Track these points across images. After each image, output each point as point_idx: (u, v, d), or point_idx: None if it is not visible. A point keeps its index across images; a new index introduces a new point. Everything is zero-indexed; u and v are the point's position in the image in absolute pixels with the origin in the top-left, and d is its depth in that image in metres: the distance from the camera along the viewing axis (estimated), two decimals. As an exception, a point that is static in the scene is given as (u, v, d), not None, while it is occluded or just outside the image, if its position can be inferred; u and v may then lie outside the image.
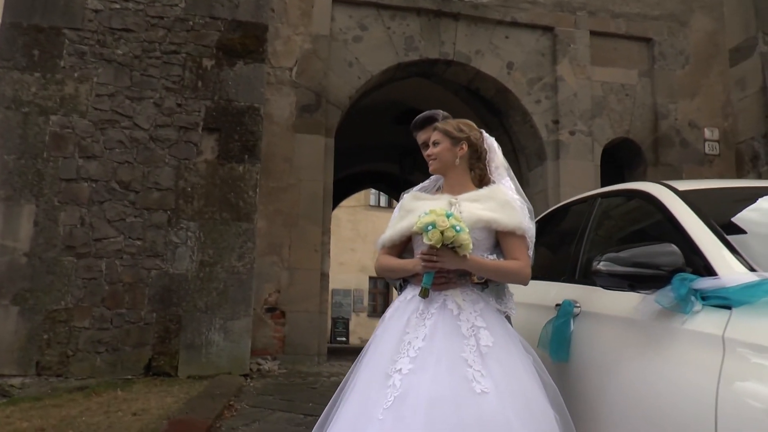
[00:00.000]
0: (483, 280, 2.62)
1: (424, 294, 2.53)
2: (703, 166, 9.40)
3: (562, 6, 9.46)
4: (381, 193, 23.51)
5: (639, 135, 9.50)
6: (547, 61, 9.42)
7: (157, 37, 7.03)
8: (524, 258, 2.61)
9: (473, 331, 2.47)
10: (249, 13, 7.38)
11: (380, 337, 2.61)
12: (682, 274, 2.19)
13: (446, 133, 2.77)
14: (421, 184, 3.14)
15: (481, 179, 2.80)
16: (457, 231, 2.44)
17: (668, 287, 2.18)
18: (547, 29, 9.43)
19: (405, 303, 2.62)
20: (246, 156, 6.98)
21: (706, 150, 9.44)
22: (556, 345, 2.83)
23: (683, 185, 2.80)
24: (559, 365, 2.79)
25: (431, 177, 3.14)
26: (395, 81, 9.55)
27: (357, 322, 23.12)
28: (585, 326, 2.75)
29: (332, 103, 8.36)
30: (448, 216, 2.47)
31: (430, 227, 2.44)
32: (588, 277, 3.11)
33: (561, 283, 3.17)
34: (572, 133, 9.24)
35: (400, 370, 2.38)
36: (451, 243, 2.46)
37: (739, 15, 9.81)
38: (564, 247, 3.48)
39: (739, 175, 9.50)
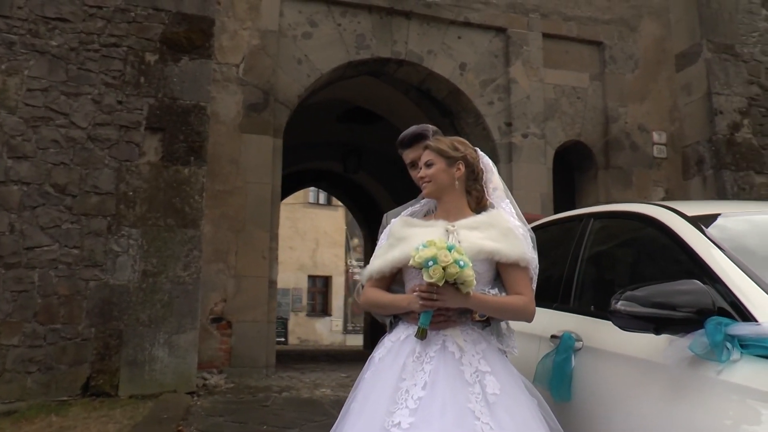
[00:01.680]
0: (485, 318, 2.38)
1: (421, 335, 2.26)
2: (651, 170, 9.47)
3: (515, 7, 9.34)
4: (320, 190, 23.16)
5: (590, 138, 9.49)
6: (500, 63, 9.29)
7: (96, 28, 6.51)
8: (528, 292, 2.38)
9: (477, 376, 2.22)
10: (195, 6, 6.94)
11: (371, 383, 2.32)
12: (716, 317, 1.99)
13: (441, 153, 2.50)
14: (409, 206, 2.87)
15: (479, 202, 2.55)
16: (461, 267, 2.17)
17: (701, 332, 1.98)
18: (500, 30, 9.30)
19: (398, 344, 2.34)
20: (192, 158, 6.55)
21: (655, 153, 9.51)
22: (558, 383, 2.61)
23: (688, 209, 2.62)
24: (561, 404, 2.58)
25: (420, 199, 2.87)
26: (344, 79, 9.25)
27: (296, 322, 22.74)
28: (589, 363, 2.53)
29: (281, 102, 7.99)
30: (449, 249, 2.21)
31: (430, 263, 2.17)
32: (585, 305, 2.93)
33: (554, 311, 2.95)
34: (525, 135, 9.14)
35: (399, 424, 2.11)
36: (454, 280, 2.20)
37: (685, 22, 9.91)
38: (553, 269, 3.26)
39: (684, 179, 9.61)
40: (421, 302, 2.23)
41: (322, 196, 24.21)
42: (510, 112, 9.15)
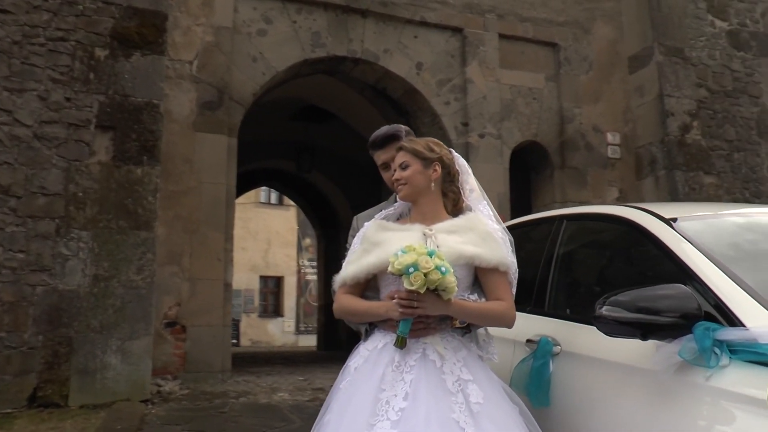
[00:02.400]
0: (465, 324, 2.32)
1: (401, 344, 2.18)
2: (606, 170, 9.59)
3: (471, 8, 9.34)
4: (272, 189, 22.85)
5: (546, 138, 9.55)
6: (457, 63, 9.27)
7: (41, 21, 6.22)
8: (509, 298, 2.33)
9: (460, 385, 2.15)
10: (147, 0, 6.70)
11: (348, 394, 2.23)
12: (703, 322, 1.96)
13: (416, 154, 2.43)
14: (379, 209, 2.78)
15: (455, 205, 2.48)
16: (442, 273, 2.11)
17: (689, 337, 1.95)
18: (457, 30, 9.29)
19: (376, 353, 2.26)
20: (145, 157, 6.33)
21: (609, 154, 9.64)
22: (536, 388, 2.56)
23: (664, 211, 2.60)
24: (540, 410, 2.53)
25: (393, 202, 2.79)
26: (300, 77, 9.11)
27: (248, 324, 22.40)
28: (569, 368, 2.49)
29: (235, 101, 7.80)
30: (430, 255, 2.13)
31: (411, 269, 2.09)
32: (561, 308, 2.89)
33: (528, 315, 2.90)
34: (482, 135, 9.15)
35: None
36: (435, 287, 2.13)
37: (637, 25, 10.08)
38: (525, 272, 3.20)
39: (638, 179, 9.78)
40: (400, 310, 2.15)
41: (274, 196, 23.89)
42: (466, 112, 9.15)
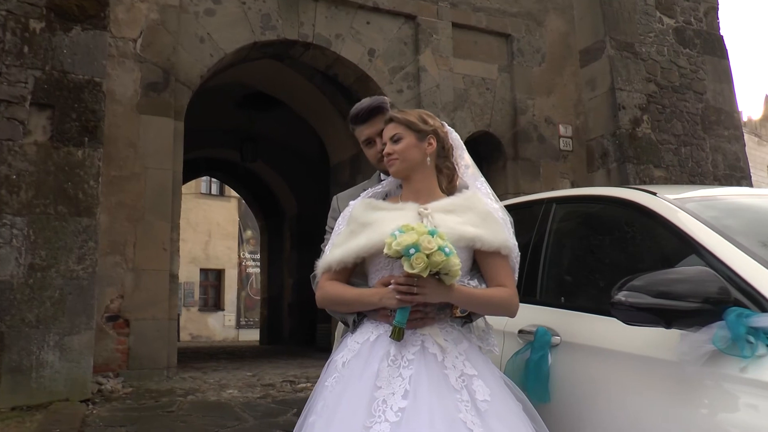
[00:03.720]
0: (465, 313, 2.11)
1: (398, 335, 1.95)
2: (558, 162, 9.58)
3: (425, -6, 9.17)
4: (212, 180, 22.23)
5: (499, 129, 9.47)
6: (410, 50, 9.09)
7: (-32, -12, 5.73)
8: (512, 284, 2.13)
9: (464, 381, 1.95)
10: (87, -29, 6.26)
11: (337, 392, 1.98)
12: (735, 308, 1.80)
13: (409, 125, 2.20)
14: (362, 187, 2.55)
15: (450, 182, 2.27)
16: (446, 255, 1.89)
17: (720, 324, 1.79)
18: (410, 17, 9.09)
19: (368, 346, 2.02)
20: (86, 138, 5.90)
21: (561, 146, 9.63)
22: (534, 383, 2.37)
23: (667, 192, 2.46)
24: (539, 406, 2.35)
25: (377, 180, 2.55)
26: (248, 61, 8.75)
27: (188, 317, 21.70)
28: (571, 361, 2.31)
29: (182, 82, 7.41)
30: (431, 234, 1.91)
31: (412, 250, 1.87)
32: (554, 297, 2.72)
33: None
34: (434, 125, 8.97)
35: None
36: (437, 270, 1.91)
37: (588, 19, 10.10)
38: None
39: (589, 171, 9.80)
40: (398, 297, 1.93)
41: (215, 187, 23.24)
42: (419, 101, 8.96)
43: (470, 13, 9.49)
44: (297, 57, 8.83)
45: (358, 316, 2.12)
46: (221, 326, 22.39)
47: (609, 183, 9.34)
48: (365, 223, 2.12)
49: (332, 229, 2.43)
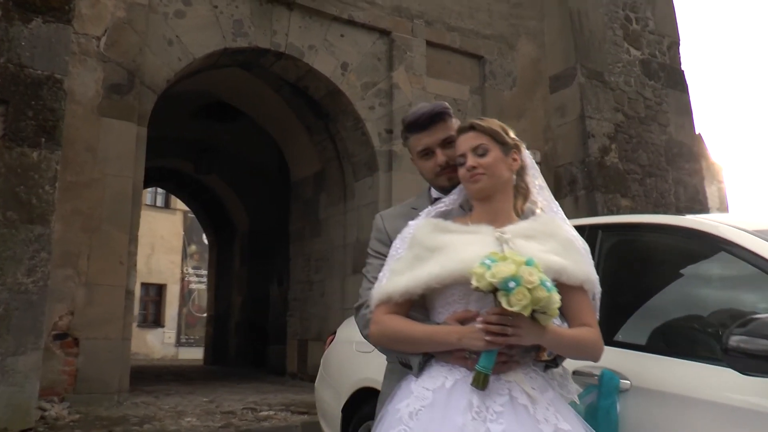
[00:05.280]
0: (552, 357, 1.82)
1: (482, 383, 1.64)
2: (528, 189, 9.43)
3: (401, 11, 8.96)
4: (158, 192, 21.42)
5: (468, 152, 9.26)
6: (383, 66, 8.84)
7: None
8: (596, 323, 1.85)
9: None
10: (52, -41, 5.79)
11: None
12: None
13: (494, 136, 1.92)
14: (412, 206, 2.24)
15: (524, 204, 1.99)
16: (548, 290, 1.60)
17: None
18: (385, 33, 8.87)
19: (444, 395, 1.69)
20: (43, 139, 5.39)
21: (531, 172, 9.49)
22: (605, 432, 2.10)
23: (733, 222, 2.23)
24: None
25: (427, 197, 2.24)
26: (216, 68, 8.35)
27: (124, 334, 20.74)
28: (647, 409, 2.05)
29: (147, 86, 6.95)
30: (528, 265, 1.62)
31: (512, 283, 1.57)
32: (609, 335, 2.45)
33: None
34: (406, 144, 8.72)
35: None
36: (535, 309, 1.62)
37: (560, 45, 10.08)
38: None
39: (557, 198, 9.62)
40: (488, 338, 1.62)
41: (160, 198, 22.41)
42: (391, 119, 8.71)
43: (444, 32, 9.33)
44: (267, 66, 8.47)
45: (424, 357, 1.80)
46: (160, 343, 21.46)
47: (577, 211, 9.25)
48: (433, 248, 1.82)
49: (377, 252, 2.12)
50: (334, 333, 4.09)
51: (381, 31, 8.84)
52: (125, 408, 6.07)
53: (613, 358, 2.25)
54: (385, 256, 2.02)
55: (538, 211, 1.98)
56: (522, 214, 1.96)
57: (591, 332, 1.81)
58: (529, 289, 1.57)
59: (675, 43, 11.55)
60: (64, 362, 5.95)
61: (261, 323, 12.87)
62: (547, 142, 9.83)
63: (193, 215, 19.45)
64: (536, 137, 9.76)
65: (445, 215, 2.00)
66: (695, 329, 2.31)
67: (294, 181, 10.77)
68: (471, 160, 1.88)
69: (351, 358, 3.60)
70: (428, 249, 1.82)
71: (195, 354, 19.53)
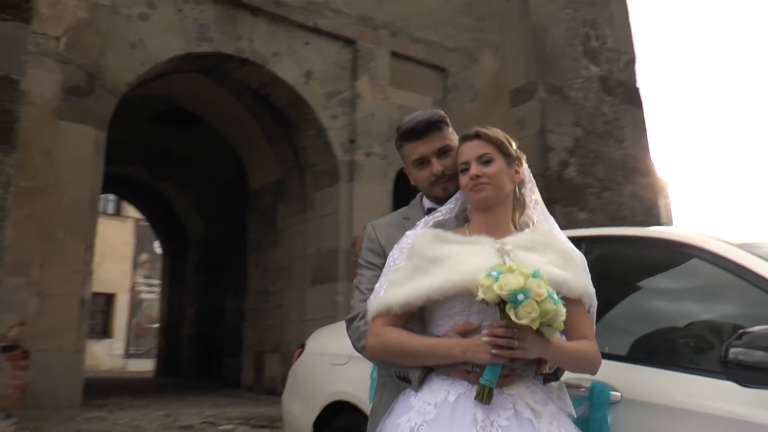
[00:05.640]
0: (552, 370, 1.79)
1: (487, 398, 1.60)
2: (489, 201, 9.49)
3: (366, 21, 8.93)
4: (110, 198, 20.87)
5: (431, 164, 9.28)
6: (347, 75, 8.80)
7: None
8: (593, 336, 1.84)
9: None
10: (11, -45, 5.57)
11: None
12: None
13: (499, 147, 1.89)
14: (409, 214, 2.18)
15: (520, 216, 1.96)
16: (555, 303, 1.58)
17: None
18: (349, 42, 8.83)
19: (447, 409, 1.64)
20: (-3, 142, 5.18)
21: (493, 185, 9.55)
22: (597, 446, 2.07)
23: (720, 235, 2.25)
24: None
25: (419, 207, 2.18)
26: (180, 73, 8.18)
27: (70, 345, 20.11)
28: (639, 421, 2.03)
29: (108, 89, 6.77)
30: (534, 276, 1.59)
31: (521, 296, 1.53)
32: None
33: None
34: (368, 154, 8.70)
35: None
36: (546, 321, 1.59)
37: (521, 60, 10.18)
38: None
39: (517, 212, 9.78)
40: (494, 351, 1.58)
41: (111, 205, 21.84)
42: (354, 129, 8.68)
43: (409, 43, 9.34)
44: (231, 72, 8.35)
45: (423, 371, 1.74)
46: (108, 355, 20.85)
47: (537, 224, 9.33)
48: (434, 259, 1.77)
49: (370, 263, 2.05)
50: (303, 345, 3.98)
51: (346, 40, 8.80)
52: (77, 423, 5.82)
53: (601, 369, 2.23)
54: (378, 267, 1.98)
55: (531, 224, 1.95)
56: (518, 227, 1.93)
57: (591, 345, 1.80)
58: (537, 302, 1.54)
59: (632, 61, 11.79)
60: (12, 375, 5.67)
61: (215, 335, 12.63)
62: (508, 155, 9.91)
63: (145, 223, 19.03)
64: (498, 150, 9.82)
65: (441, 225, 1.95)
66: (676, 340, 2.31)
67: (252, 190, 10.61)
68: (475, 169, 1.83)
69: (323, 371, 3.50)
70: (428, 260, 1.78)
71: (144, 366, 19.04)
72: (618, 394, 2.11)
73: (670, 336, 2.31)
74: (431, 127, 2.07)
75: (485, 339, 1.60)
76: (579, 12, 11.03)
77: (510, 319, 1.55)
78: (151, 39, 7.13)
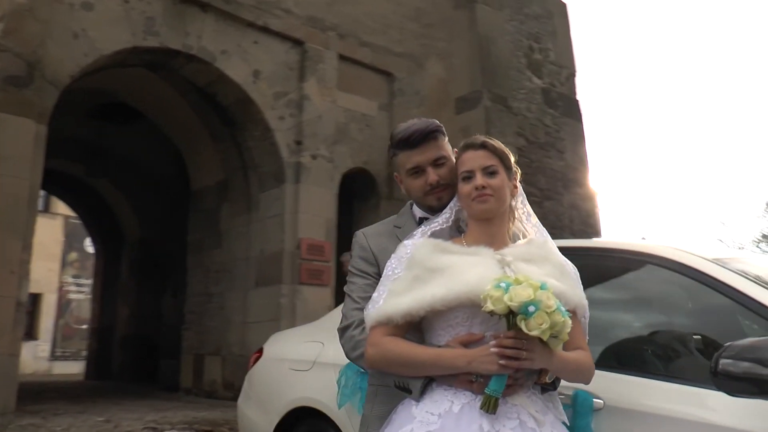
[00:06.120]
0: (551, 380, 1.81)
1: (493, 408, 1.61)
2: (435, 207, 9.57)
3: (315, 22, 8.90)
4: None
5: (375, 167, 9.34)
6: (295, 77, 8.74)
7: None
8: (587, 347, 1.88)
9: None
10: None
11: None
12: None
13: (503, 160, 1.90)
14: (400, 223, 2.15)
15: (510, 229, 1.98)
16: (563, 315, 1.61)
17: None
18: (298, 43, 8.78)
19: (451, 419, 1.65)
20: (-68, 132, 4.92)
21: (438, 191, 9.63)
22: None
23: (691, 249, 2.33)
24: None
25: (409, 215, 2.16)
26: (124, 66, 7.95)
27: None
28: (622, 428, 2.08)
29: (48, 81, 6.51)
30: (542, 289, 1.61)
31: (531, 308, 1.55)
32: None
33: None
34: (314, 156, 8.66)
35: None
36: (555, 332, 1.61)
37: (467, 68, 10.32)
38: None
39: (461, 219, 9.89)
40: (502, 362, 1.59)
41: (40, 201, 21.00)
42: (301, 130, 8.63)
43: (356, 46, 9.35)
44: (177, 69, 8.17)
45: (425, 381, 1.74)
46: (33, 357, 19.98)
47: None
48: (434, 269, 1.77)
49: (361, 271, 2.03)
50: (261, 350, 3.92)
51: (294, 40, 8.75)
52: (9, 431, 5.57)
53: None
54: (370, 275, 1.97)
55: (521, 235, 1.97)
56: (511, 239, 1.94)
57: (587, 356, 1.83)
58: (548, 314, 1.56)
59: (572, 75, 12.13)
60: (-58, 378, 5.40)
61: (150, 337, 12.31)
62: (453, 162, 10.02)
63: (75, 220, 18.39)
64: (443, 157, 9.93)
65: (438, 235, 1.94)
66: (644, 348, 2.38)
67: (194, 190, 10.40)
68: (481, 180, 1.83)
69: (284, 377, 3.46)
70: (429, 270, 1.77)
71: (72, 368, 18.39)
72: (601, 401, 2.16)
73: (642, 345, 2.37)
74: (428, 136, 2.03)
75: (494, 350, 1.61)
76: (524, 25, 11.28)
77: (519, 330, 1.57)
78: (96, 30, 6.91)
